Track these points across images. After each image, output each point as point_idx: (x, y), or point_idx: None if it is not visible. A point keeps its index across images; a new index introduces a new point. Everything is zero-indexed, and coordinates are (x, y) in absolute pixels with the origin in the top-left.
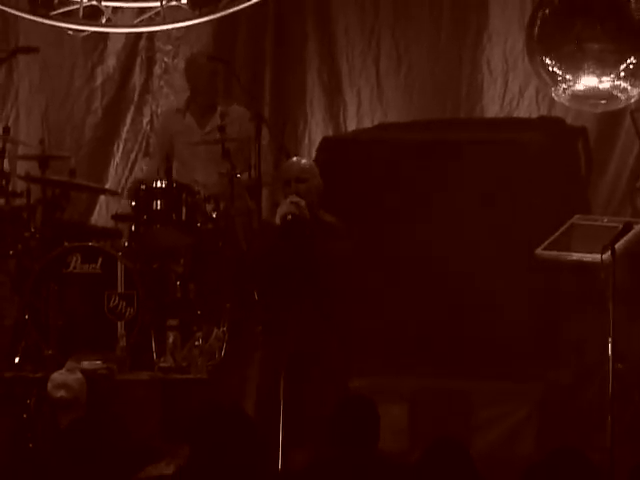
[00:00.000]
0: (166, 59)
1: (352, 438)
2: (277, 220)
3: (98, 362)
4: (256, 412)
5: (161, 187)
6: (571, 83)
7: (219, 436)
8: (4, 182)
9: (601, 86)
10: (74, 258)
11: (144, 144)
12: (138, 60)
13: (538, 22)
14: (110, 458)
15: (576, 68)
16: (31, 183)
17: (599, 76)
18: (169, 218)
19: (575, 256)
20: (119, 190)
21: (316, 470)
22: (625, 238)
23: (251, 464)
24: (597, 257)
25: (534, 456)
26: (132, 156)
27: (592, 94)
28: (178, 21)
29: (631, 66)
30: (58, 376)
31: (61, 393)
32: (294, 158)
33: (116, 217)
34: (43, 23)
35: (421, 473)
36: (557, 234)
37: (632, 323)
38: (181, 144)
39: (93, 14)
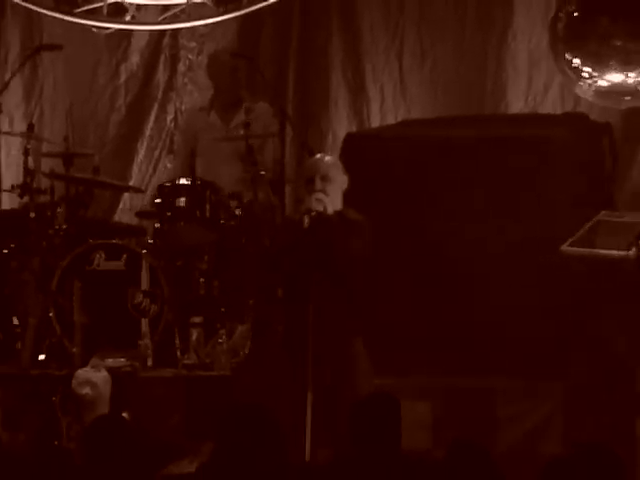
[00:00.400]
0: (190, 56)
1: (374, 436)
2: (300, 217)
3: (122, 359)
4: (280, 409)
5: (185, 184)
6: (596, 79)
7: (242, 434)
8: (28, 179)
9: (626, 82)
10: (98, 255)
11: (168, 141)
12: (162, 57)
13: (563, 18)
14: (133, 455)
15: (601, 64)
16: (55, 180)
17: (624, 72)
18: (193, 215)
19: (601, 253)
20: (143, 187)
21: (338, 468)
22: None
23: (273, 462)
24: (623, 253)
25: (559, 454)
26: (156, 153)
27: (617, 90)
28: (202, 18)
29: None
30: (83, 373)
31: (86, 390)
32: (318, 155)
33: (140, 214)
34: (67, 20)
35: (442, 474)
36: (582, 231)
37: None
38: (205, 141)
39: (117, 11)
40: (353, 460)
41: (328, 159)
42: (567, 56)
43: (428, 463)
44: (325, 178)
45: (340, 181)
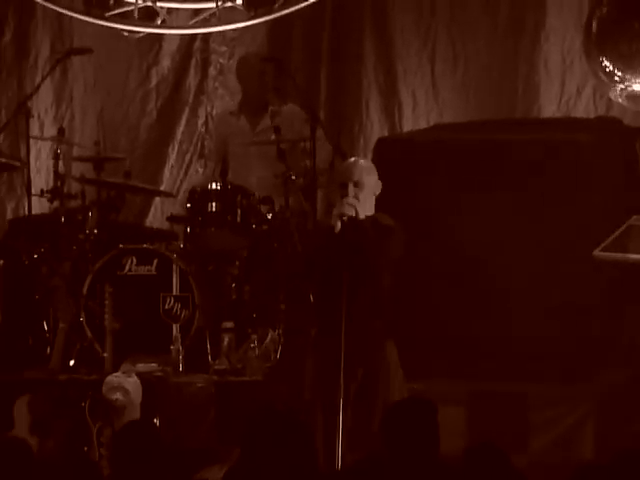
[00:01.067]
0: (221, 60)
1: (411, 441)
2: (332, 221)
3: (153, 364)
4: (311, 414)
5: (216, 189)
6: (629, 83)
7: (269, 439)
8: (59, 184)
9: None
10: (129, 260)
11: (199, 146)
12: (193, 61)
13: (596, 21)
14: (164, 461)
15: (634, 68)
16: (86, 185)
17: None
18: (224, 220)
19: (633, 257)
20: (174, 192)
21: (369, 473)
22: None
23: (302, 468)
24: None
25: (592, 458)
26: (187, 158)
27: None
28: (233, 22)
29: None
30: (113, 379)
31: (116, 396)
32: (353, 159)
33: (171, 219)
34: (98, 24)
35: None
36: (615, 235)
37: None
38: (235, 146)
39: (148, 15)
40: (386, 465)
41: (362, 163)
42: (600, 59)
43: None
44: (358, 183)
45: (373, 186)
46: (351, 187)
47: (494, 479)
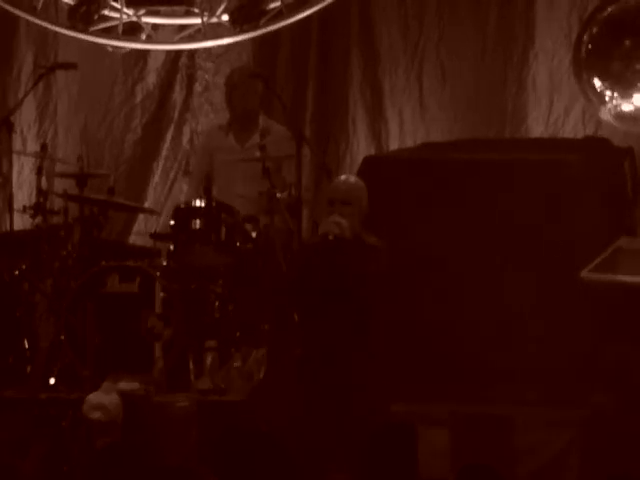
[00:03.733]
0: (207, 76)
1: (390, 465)
2: (317, 240)
3: (135, 383)
4: (294, 434)
5: (200, 206)
6: (618, 102)
7: (246, 461)
8: (42, 200)
9: None
10: (112, 277)
11: (184, 163)
12: (178, 77)
13: (586, 40)
14: None
15: (624, 88)
16: (69, 201)
17: None
18: (208, 238)
19: (621, 279)
20: (158, 209)
21: None
22: None
23: None
24: None
25: None
26: (172, 175)
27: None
28: (219, 38)
29: None
30: (94, 397)
31: (97, 415)
32: (342, 177)
33: (155, 236)
34: (82, 39)
35: None
36: (603, 256)
37: None
38: (221, 162)
39: (133, 30)
40: None
41: (352, 182)
42: (590, 78)
43: None
44: (345, 201)
45: (361, 204)
46: (338, 205)
47: None
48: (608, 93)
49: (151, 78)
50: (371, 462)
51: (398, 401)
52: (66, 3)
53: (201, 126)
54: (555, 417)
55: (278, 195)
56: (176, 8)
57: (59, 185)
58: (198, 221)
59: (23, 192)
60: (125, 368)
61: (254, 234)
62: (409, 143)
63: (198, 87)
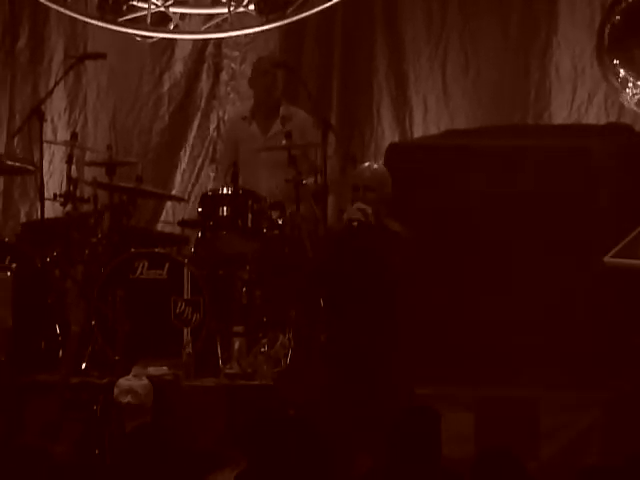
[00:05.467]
0: (233, 65)
1: (413, 449)
2: (342, 227)
3: (164, 368)
4: (320, 417)
5: (227, 194)
6: None
7: (278, 444)
8: (72, 188)
9: None
10: (141, 264)
11: (211, 150)
12: (205, 66)
13: (608, 27)
14: (175, 464)
15: None
16: (98, 189)
17: None
18: (235, 224)
19: None
20: (186, 196)
21: (375, 478)
22: None
23: (312, 472)
24: None
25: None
26: (199, 162)
27: None
28: (245, 27)
29: None
30: (125, 382)
31: (127, 399)
32: (366, 164)
33: (182, 223)
34: (111, 29)
35: None
36: (625, 241)
37: None
38: (246, 151)
39: (161, 20)
40: (391, 472)
41: (376, 169)
42: (612, 65)
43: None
44: (369, 188)
45: (385, 191)
46: (362, 192)
47: None
48: (631, 79)
49: (178, 67)
50: (396, 445)
51: (423, 384)
52: None
53: (227, 114)
54: (578, 400)
55: (304, 182)
56: None
57: (89, 173)
58: (225, 208)
59: (54, 180)
60: (154, 353)
61: (280, 221)
62: (433, 130)
63: (225, 76)
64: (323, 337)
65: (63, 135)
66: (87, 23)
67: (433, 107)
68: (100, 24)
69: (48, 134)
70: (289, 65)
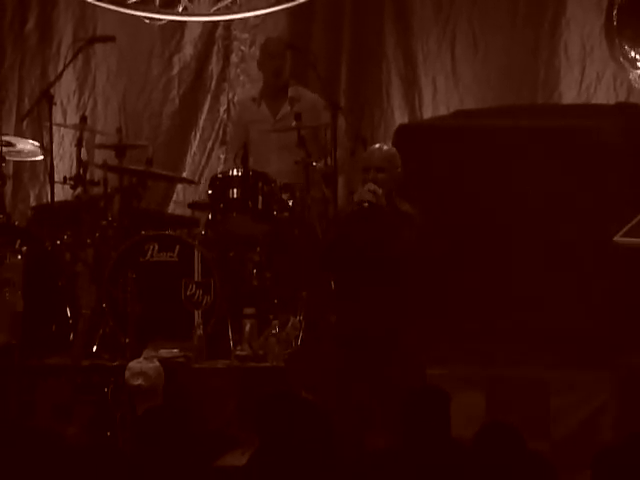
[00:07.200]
0: (243, 47)
1: (423, 429)
2: (352, 208)
3: (175, 350)
4: (331, 399)
5: (237, 175)
6: None
7: (288, 426)
8: (82, 171)
9: None
10: (151, 246)
11: (221, 133)
12: (215, 48)
13: (617, 6)
14: (187, 446)
15: None
16: (108, 172)
17: None
18: (245, 206)
19: None
20: (196, 179)
21: (388, 458)
22: None
23: (321, 453)
24: None
25: (610, 443)
26: (209, 145)
27: None
28: (255, 9)
29: None
30: (135, 364)
31: (139, 381)
32: (377, 145)
33: (193, 206)
34: (120, 12)
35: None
36: (636, 221)
37: None
38: (256, 133)
39: (170, 3)
40: (402, 452)
41: (386, 150)
42: (621, 44)
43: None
44: (380, 169)
45: (395, 172)
46: (373, 173)
47: (506, 458)
48: (639, 60)
49: (188, 50)
50: (407, 425)
51: (434, 365)
52: None
53: (237, 96)
54: (589, 379)
55: (314, 164)
56: None
57: (99, 156)
58: (235, 190)
59: (64, 163)
60: (165, 335)
61: (290, 203)
62: (443, 111)
63: (234, 58)
64: (334, 318)
65: (72, 118)
66: (96, 6)
67: (442, 88)
68: (109, 7)
69: (57, 117)
70: (298, 46)
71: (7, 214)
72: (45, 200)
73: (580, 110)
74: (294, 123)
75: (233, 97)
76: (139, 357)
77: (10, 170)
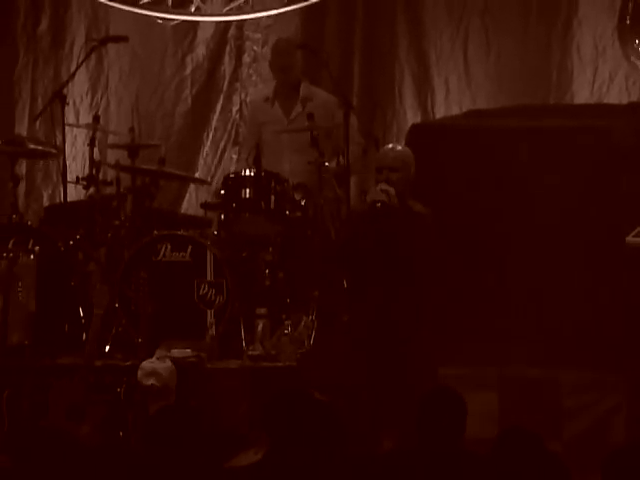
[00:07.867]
0: (255, 47)
1: (437, 431)
2: (365, 208)
3: (188, 350)
4: (343, 399)
5: (250, 175)
6: None
7: (301, 426)
8: (94, 171)
9: None
10: (164, 246)
11: (233, 133)
12: (227, 48)
13: (630, 6)
14: (199, 446)
15: None
16: (121, 172)
17: None
18: (258, 206)
19: None
20: (208, 179)
21: (397, 459)
22: None
23: (333, 453)
24: None
25: (622, 444)
26: (222, 145)
27: None
28: (267, 9)
29: None
30: (148, 364)
31: (151, 381)
32: (390, 145)
33: (205, 206)
34: (133, 12)
35: (496, 465)
36: None
37: None
38: (269, 133)
39: (182, 3)
40: (414, 453)
41: (400, 150)
42: (634, 44)
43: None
44: (393, 169)
45: (408, 172)
46: (386, 173)
47: (527, 462)
48: None
49: (201, 50)
50: (420, 426)
51: (447, 365)
52: None
53: (250, 97)
54: (602, 380)
55: (326, 164)
56: None
57: (111, 156)
58: (248, 190)
59: (76, 163)
60: (178, 335)
61: (303, 202)
62: (455, 111)
63: (247, 58)
64: (346, 318)
65: (85, 118)
66: (108, 6)
67: (455, 87)
68: (122, 7)
69: (70, 117)
70: (310, 46)
71: (20, 214)
72: (58, 200)
73: (592, 110)
74: (307, 123)
75: (245, 97)
76: (152, 357)
77: (23, 170)
